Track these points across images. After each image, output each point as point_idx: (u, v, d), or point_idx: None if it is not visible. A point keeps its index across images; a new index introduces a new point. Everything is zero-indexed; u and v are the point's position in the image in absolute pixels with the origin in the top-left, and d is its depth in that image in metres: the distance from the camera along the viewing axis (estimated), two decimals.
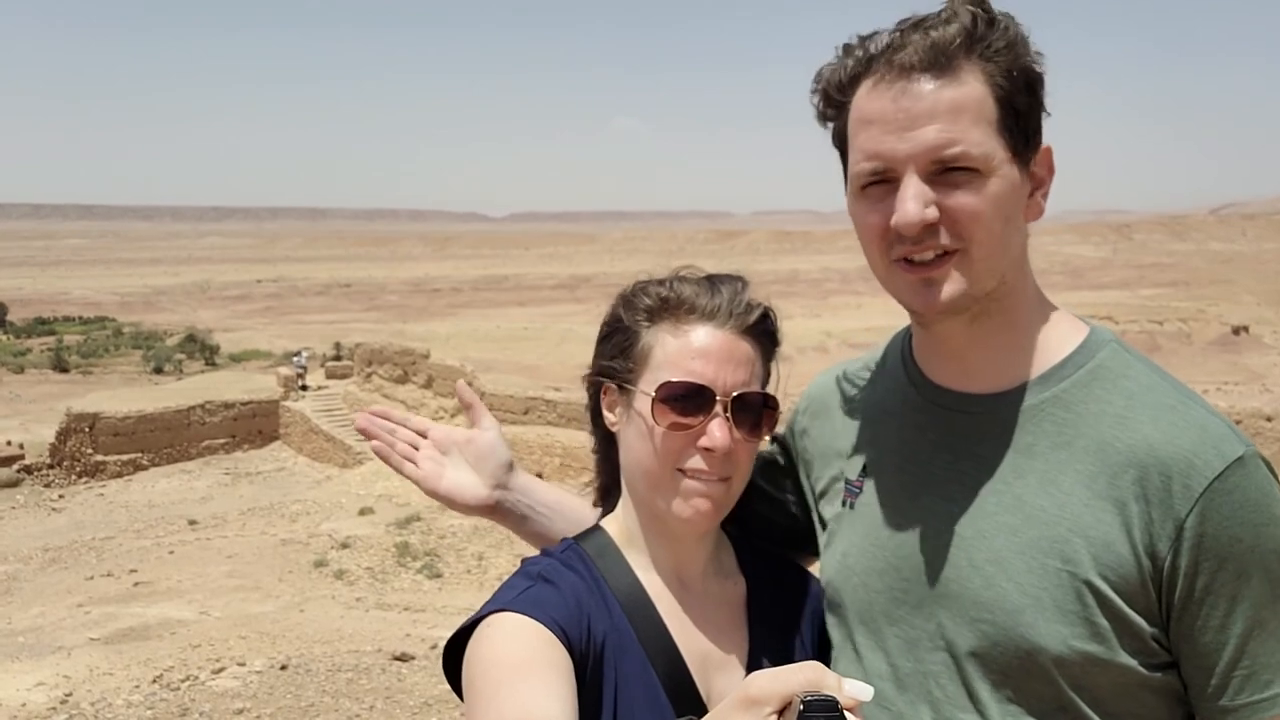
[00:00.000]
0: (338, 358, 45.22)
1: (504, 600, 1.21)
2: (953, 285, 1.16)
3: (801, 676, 0.74)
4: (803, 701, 0.72)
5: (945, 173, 1.13)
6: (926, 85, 1.12)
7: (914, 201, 1.12)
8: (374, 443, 1.53)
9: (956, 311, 1.19)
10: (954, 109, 1.11)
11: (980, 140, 1.12)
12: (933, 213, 1.13)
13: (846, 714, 0.72)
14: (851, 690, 0.74)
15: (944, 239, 1.14)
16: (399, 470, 1.50)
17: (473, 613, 1.24)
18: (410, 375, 31.46)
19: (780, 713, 0.74)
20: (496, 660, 1.12)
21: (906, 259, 1.17)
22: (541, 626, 1.16)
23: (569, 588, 1.25)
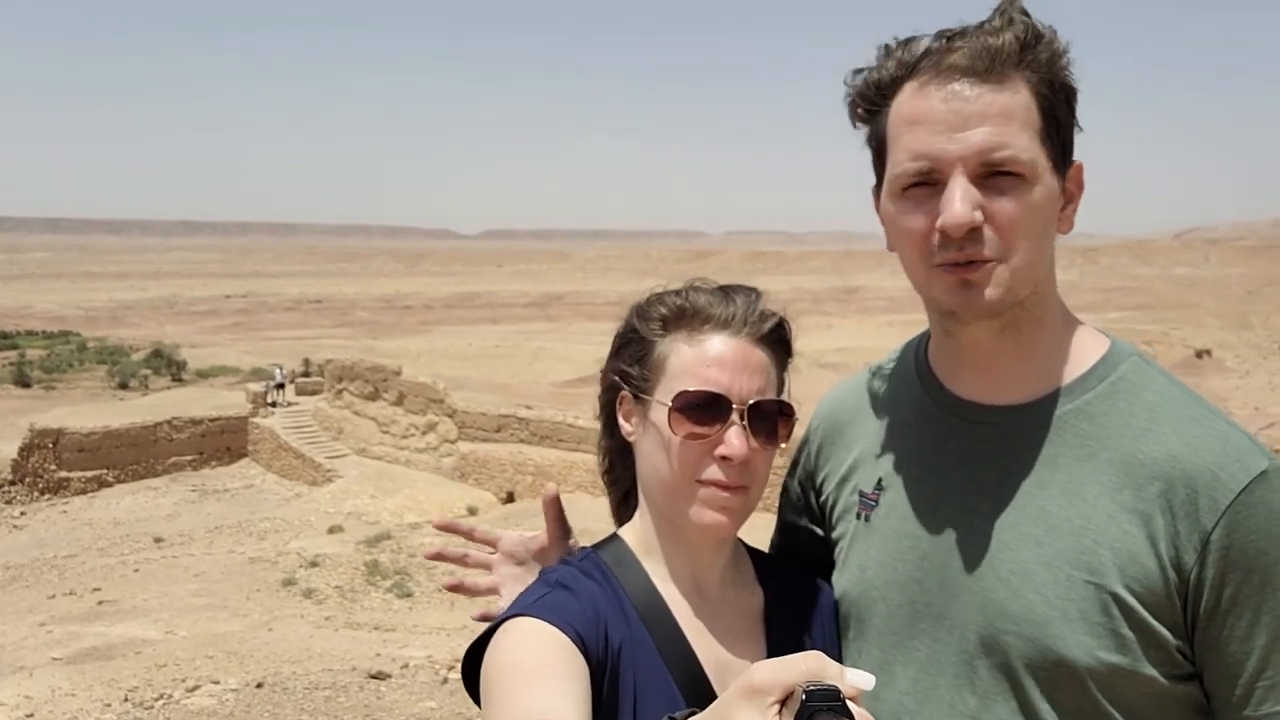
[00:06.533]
0: (307, 374, 44.85)
1: (522, 606, 1.22)
2: (994, 288, 1.15)
3: (804, 666, 0.74)
4: (805, 691, 0.72)
5: (991, 177, 1.13)
6: (977, 89, 1.12)
7: (962, 202, 1.11)
8: (450, 581, 1.59)
9: (995, 315, 1.18)
10: (1004, 113, 1.12)
11: (1027, 145, 1.13)
12: (979, 215, 1.12)
13: (849, 703, 0.72)
14: (854, 679, 0.74)
15: (987, 248, 1.13)
16: (488, 615, 1.47)
17: (487, 623, 1.25)
18: (381, 392, 31.26)
19: (783, 703, 0.74)
20: (513, 664, 1.13)
21: (949, 264, 1.16)
22: (558, 631, 1.17)
23: (586, 595, 1.25)
